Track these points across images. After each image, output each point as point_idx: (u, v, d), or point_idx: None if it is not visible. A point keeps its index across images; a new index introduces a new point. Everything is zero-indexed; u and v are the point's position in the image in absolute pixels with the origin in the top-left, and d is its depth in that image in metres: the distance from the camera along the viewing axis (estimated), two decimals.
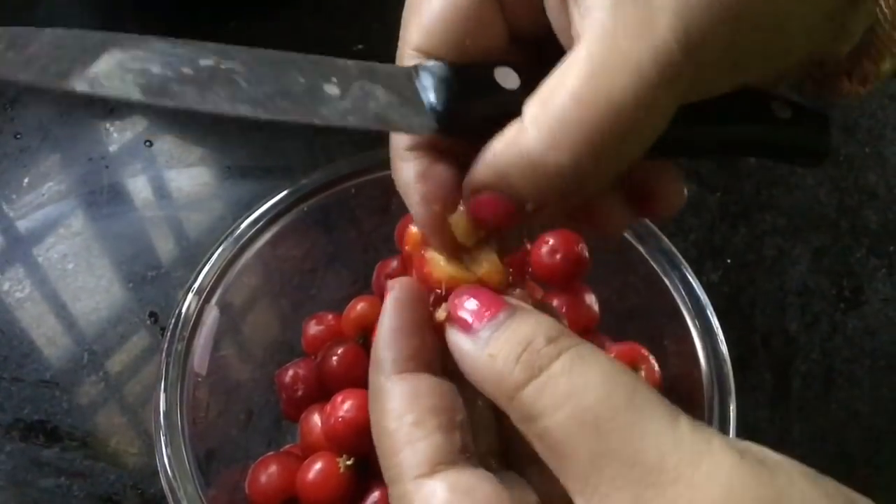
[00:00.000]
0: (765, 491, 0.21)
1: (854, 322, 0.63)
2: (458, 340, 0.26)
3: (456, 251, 0.28)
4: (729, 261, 0.65)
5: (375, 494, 0.45)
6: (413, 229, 0.30)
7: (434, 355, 0.27)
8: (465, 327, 0.26)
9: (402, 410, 0.26)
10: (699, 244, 0.66)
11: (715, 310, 0.47)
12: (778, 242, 0.66)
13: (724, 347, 0.45)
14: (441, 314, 0.26)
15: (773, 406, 0.59)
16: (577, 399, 0.23)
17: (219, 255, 0.48)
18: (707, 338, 0.46)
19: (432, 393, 0.26)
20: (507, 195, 0.26)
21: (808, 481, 0.22)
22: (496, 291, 0.27)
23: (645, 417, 0.22)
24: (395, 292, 0.27)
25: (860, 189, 0.70)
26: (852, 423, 0.59)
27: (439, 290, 0.27)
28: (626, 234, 0.50)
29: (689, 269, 0.47)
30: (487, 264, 0.28)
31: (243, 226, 0.50)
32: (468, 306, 0.26)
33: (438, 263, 0.28)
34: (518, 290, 0.28)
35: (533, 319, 0.25)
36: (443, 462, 0.25)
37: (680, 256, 0.48)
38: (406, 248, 0.30)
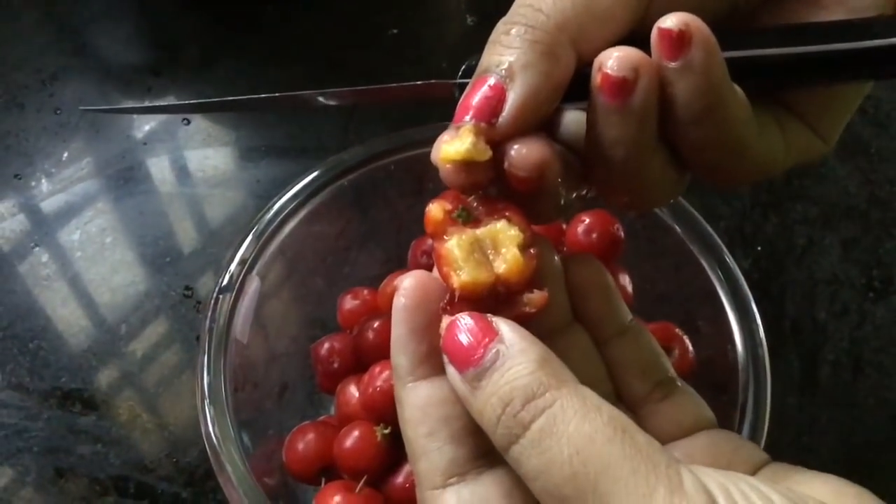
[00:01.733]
0: None
1: (883, 312, 0.63)
2: (451, 373, 0.26)
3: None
4: (759, 249, 0.66)
5: None
6: (433, 209, 0.29)
7: None
8: (455, 365, 0.26)
9: (416, 421, 0.27)
10: (730, 232, 0.66)
11: None
12: (808, 232, 0.67)
13: (760, 330, 0.46)
14: (442, 327, 0.26)
15: (801, 393, 0.59)
16: (546, 477, 0.23)
17: (259, 228, 0.49)
18: (744, 320, 0.46)
19: (444, 401, 0.27)
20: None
21: None
22: (515, 290, 0.27)
23: (613, 498, 0.22)
24: (402, 300, 0.27)
25: (891, 181, 0.70)
26: (880, 412, 0.59)
27: (453, 292, 0.27)
28: (661, 216, 0.50)
29: (727, 251, 0.48)
30: (507, 263, 0.27)
31: (283, 200, 0.50)
32: (458, 341, 0.26)
33: (456, 261, 0.27)
34: (536, 292, 0.27)
35: (514, 370, 0.24)
36: (455, 474, 0.26)
37: (717, 238, 0.48)
38: (427, 230, 0.29)
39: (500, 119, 0.27)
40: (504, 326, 0.26)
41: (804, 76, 0.30)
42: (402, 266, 0.57)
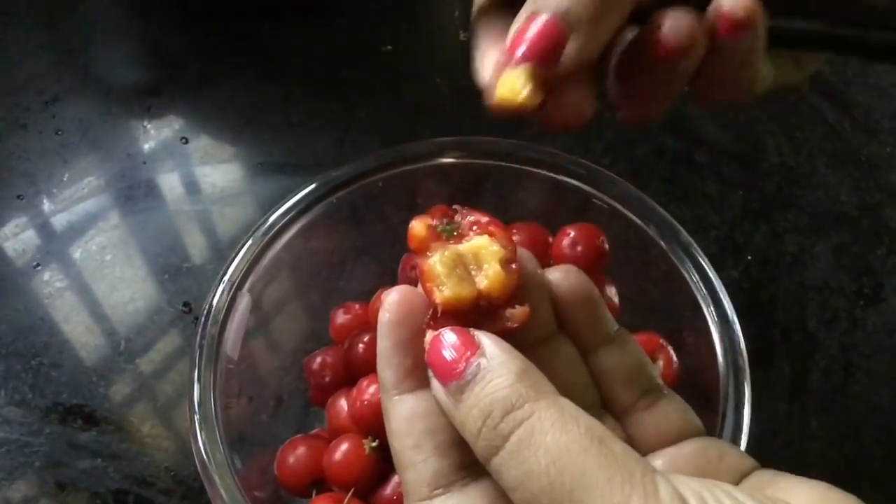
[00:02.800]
0: None
1: (873, 319, 0.63)
2: (435, 386, 0.27)
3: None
4: (750, 258, 0.66)
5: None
6: (416, 226, 0.29)
7: None
8: (439, 378, 0.26)
9: (402, 433, 0.27)
10: (721, 241, 0.67)
11: (736, 306, 0.47)
12: (799, 240, 0.67)
13: (741, 340, 0.46)
14: (426, 341, 0.27)
15: (791, 400, 0.60)
16: (525, 487, 0.23)
17: (250, 244, 0.50)
18: (725, 329, 0.46)
19: (429, 413, 0.27)
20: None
21: None
22: (497, 305, 0.28)
23: None
24: (387, 314, 0.28)
25: (881, 188, 0.70)
26: (870, 418, 0.59)
27: (436, 307, 0.27)
28: (646, 228, 0.51)
29: (706, 259, 0.48)
30: (489, 279, 0.28)
31: (274, 216, 0.51)
32: (442, 356, 0.26)
33: (439, 277, 0.28)
34: (518, 307, 0.28)
35: (494, 382, 0.25)
36: (441, 485, 0.27)
37: (696, 247, 0.49)
38: (411, 246, 0.29)
39: (562, 62, 0.29)
40: (486, 340, 0.26)
41: (839, 52, 0.32)
42: (395, 280, 0.58)
